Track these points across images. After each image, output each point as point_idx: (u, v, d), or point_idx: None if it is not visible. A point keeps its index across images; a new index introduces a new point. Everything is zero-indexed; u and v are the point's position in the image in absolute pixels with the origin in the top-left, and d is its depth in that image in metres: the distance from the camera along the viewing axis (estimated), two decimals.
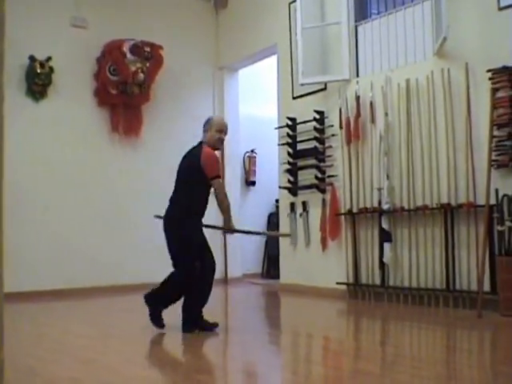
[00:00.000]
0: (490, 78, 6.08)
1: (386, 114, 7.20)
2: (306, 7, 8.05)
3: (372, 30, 7.68)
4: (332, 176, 7.91)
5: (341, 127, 7.75)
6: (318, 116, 8.13)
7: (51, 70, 8.50)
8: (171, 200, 5.42)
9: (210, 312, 5.36)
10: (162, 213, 5.53)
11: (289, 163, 8.57)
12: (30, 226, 8.32)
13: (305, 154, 8.35)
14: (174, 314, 5.30)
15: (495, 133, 6.03)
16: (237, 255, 10.28)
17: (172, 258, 5.35)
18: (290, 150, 8.58)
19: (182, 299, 5.20)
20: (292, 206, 8.64)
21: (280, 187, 8.88)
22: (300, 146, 8.48)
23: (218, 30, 10.46)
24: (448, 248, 6.50)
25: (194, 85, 10.16)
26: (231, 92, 10.50)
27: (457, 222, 6.48)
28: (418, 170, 6.87)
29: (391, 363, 4.27)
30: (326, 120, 8.10)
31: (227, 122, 5.63)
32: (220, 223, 5.75)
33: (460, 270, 6.42)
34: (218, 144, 5.43)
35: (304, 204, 8.42)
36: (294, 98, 8.73)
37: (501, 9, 6.12)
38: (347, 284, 7.61)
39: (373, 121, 7.39)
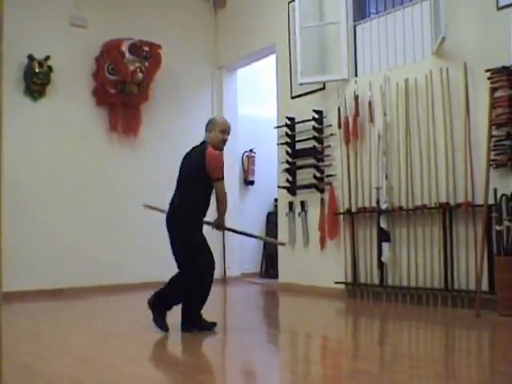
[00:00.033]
0: (488, 78, 6.08)
1: (385, 114, 7.20)
2: (304, 7, 8.05)
3: (371, 30, 7.68)
4: (331, 175, 7.92)
5: (339, 127, 7.75)
6: (316, 115, 8.13)
7: (50, 69, 8.50)
8: (174, 199, 5.40)
9: (208, 311, 5.36)
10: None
11: (287, 162, 8.57)
12: (29, 225, 8.32)
13: (303, 153, 8.35)
14: (173, 313, 5.31)
15: (494, 132, 6.03)
16: (235, 255, 10.28)
17: (175, 258, 5.31)
18: (289, 150, 8.58)
19: (173, 295, 5.20)
20: (291, 205, 8.65)
21: (279, 186, 8.89)
22: (299, 146, 8.48)
23: (217, 30, 10.45)
24: (446, 247, 6.50)
25: (193, 84, 10.16)
26: (230, 91, 10.49)
27: (455, 222, 6.48)
28: (416, 170, 6.88)
29: (390, 363, 4.28)
30: (324, 119, 8.10)
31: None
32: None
33: (458, 270, 6.42)
34: (221, 145, 5.40)
35: (303, 203, 8.42)
36: (292, 98, 8.73)
37: (499, 8, 6.12)
38: (346, 283, 7.62)
39: (371, 120, 7.40)
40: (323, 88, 8.19)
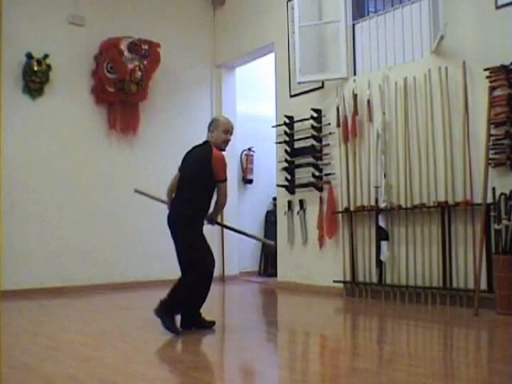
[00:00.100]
0: (487, 77, 6.09)
1: (384, 113, 7.21)
2: (303, 5, 8.05)
3: (369, 29, 7.68)
4: (329, 174, 7.92)
5: (338, 125, 7.75)
6: (315, 114, 8.13)
7: (48, 67, 8.50)
8: (176, 198, 5.36)
9: (207, 310, 5.36)
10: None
11: (286, 161, 8.57)
12: (28, 223, 8.31)
13: (302, 152, 8.35)
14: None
15: (492, 131, 6.04)
16: (234, 253, 10.28)
17: (179, 259, 5.27)
18: (288, 148, 8.58)
19: (181, 298, 5.16)
20: (289, 204, 8.65)
21: (277, 185, 8.89)
22: (297, 145, 8.48)
23: (216, 28, 10.45)
24: (445, 246, 6.51)
25: (192, 83, 10.15)
26: (228, 90, 10.49)
27: (454, 221, 6.48)
28: (415, 169, 6.88)
29: (388, 361, 4.28)
30: (323, 118, 8.10)
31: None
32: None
33: (457, 269, 6.43)
34: (224, 145, 5.37)
35: (301, 202, 8.43)
36: (291, 97, 8.73)
37: (498, 7, 6.12)
38: (344, 282, 7.62)
39: (370, 119, 7.40)
40: (322, 87, 8.19)
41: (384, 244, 6.99)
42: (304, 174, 8.31)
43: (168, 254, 8.92)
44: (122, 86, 8.91)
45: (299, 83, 8.18)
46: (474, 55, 6.34)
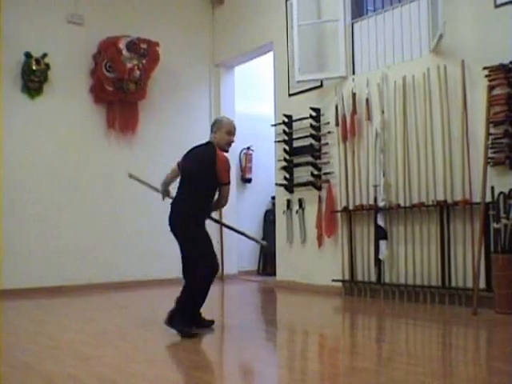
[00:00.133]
0: (486, 76, 6.09)
1: (383, 112, 7.21)
2: (302, 4, 8.05)
3: (368, 28, 7.68)
4: (328, 173, 7.93)
5: (337, 124, 7.75)
6: (314, 113, 8.13)
7: (47, 66, 8.49)
8: (178, 199, 5.28)
9: (206, 309, 5.35)
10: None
11: (285, 160, 8.58)
12: (27, 222, 8.31)
13: (301, 151, 8.35)
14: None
15: (491, 130, 6.04)
16: (233, 252, 10.28)
17: (183, 259, 5.24)
18: (286, 147, 8.58)
19: (183, 296, 5.12)
20: (288, 203, 8.65)
21: (276, 184, 8.89)
22: (296, 144, 8.48)
23: (215, 27, 10.45)
24: (444, 245, 6.51)
25: (191, 82, 10.15)
26: (227, 89, 10.48)
27: (453, 220, 6.49)
28: (414, 167, 6.88)
29: (387, 360, 4.28)
30: (322, 117, 8.10)
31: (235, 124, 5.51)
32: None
33: (456, 268, 6.44)
34: (228, 146, 5.32)
35: (300, 201, 8.43)
36: (290, 96, 8.73)
37: (497, 6, 6.13)
38: (343, 281, 7.63)
39: (369, 118, 7.40)
40: (321, 86, 8.19)
41: (383, 243, 7.00)
42: (303, 173, 8.31)
43: (167, 254, 8.97)
44: (120, 85, 8.90)
45: (298, 82, 8.18)
46: (473, 54, 6.35)
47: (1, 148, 8.07)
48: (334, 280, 7.69)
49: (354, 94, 7.56)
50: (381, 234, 7.02)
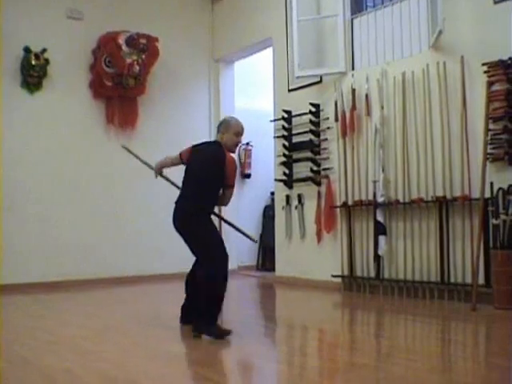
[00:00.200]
0: (485, 72, 6.09)
1: (382, 107, 7.21)
2: (301, 0, 8.04)
3: (368, 23, 7.67)
4: (327, 169, 7.93)
5: (336, 120, 7.75)
6: (313, 109, 8.13)
7: (46, 61, 8.48)
8: (183, 197, 5.14)
9: None
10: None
11: (284, 156, 8.58)
12: (26, 218, 8.31)
13: (300, 146, 8.36)
14: (174, 306, 5.30)
15: (490, 126, 6.04)
16: (232, 247, 10.25)
17: (196, 255, 5.11)
18: (286, 143, 8.58)
19: (206, 293, 5.02)
20: (287, 198, 8.65)
21: (275, 180, 8.89)
22: (295, 139, 8.48)
23: (214, 22, 10.43)
24: (443, 241, 6.52)
25: (190, 77, 10.14)
26: (227, 84, 10.47)
27: (452, 215, 6.49)
28: (413, 163, 6.89)
29: (386, 355, 4.29)
30: (321, 113, 8.10)
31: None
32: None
33: (455, 263, 6.44)
34: (235, 148, 5.26)
35: (299, 197, 8.43)
36: (289, 91, 8.73)
37: (496, 2, 6.13)
38: (342, 276, 7.63)
39: (368, 114, 7.40)
40: (320, 81, 8.19)
41: (382, 238, 7.00)
42: (302, 169, 8.32)
43: (168, 249, 9.02)
44: (120, 80, 8.90)
45: (297, 77, 8.18)
46: (472, 50, 6.34)
47: (0, 143, 8.08)
48: (333, 275, 7.70)
49: (353, 90, 7.56)
50: (380, 229, 7.03)
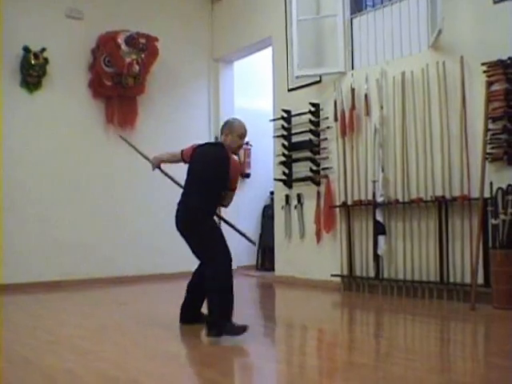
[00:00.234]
0: (484, 71, 6.09)
1: (381, 107, 7.21)
2: None
3: (367, 23, 7.68)
4: (327, 168, 7.93)
5: (336, 120, 7.76)
6: (313, 108, 8.13)
7: (46, 61, 8.47)
8: (188, 200, 5.07)
9: (204, 304, 5.36)
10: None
11: (284, 155, 8.58)
12: (26, 217, 8.30)
13: (300, 146, 8.36)
14: (174, 306, 5.31)
15: (490, 126, 6.05)
16: (231, 247, 10.23)
17: (198, 256, 5.10)
18: (285, 143, 8.58)
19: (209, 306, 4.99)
20: (287, 198, 8.66)
21: (275, 179, 8.89)
22: (295, 139, 8.49)
23: (214, 22, 10.43)
24: (442, 241, 6.52)
25: (190, 76, 10.14)
26: (226, 84, 10.47)
27: (451, 215, 6.50)
28: (412, 163, 6.89)
29: (385, 355, 4.29)
30: (321, 112, 8.10)
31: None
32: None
33: (454, 263, 6.45)
34: (239, 149, 5.26)
35: (299, 196, 8.44)
36: (289, 91, 8.73)
37: (496, 2, 6.14)
38: (342, 276, 7.64)
39: (368, 113, 7.40)
40: (319, 81, 8.19)
41: (381, 238, 7.01)
42: (301, 168, 8.32)
43: (167, 248, 9.02)
44: (119, 79, 8.89)
45: (297, 77, 8.18)
46: (471, 50, 6.35)
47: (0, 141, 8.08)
48: (332, 275, 7.71)
49: (352, 90, 7.56)
50: (379, 229, 7.03)
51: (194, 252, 5.05)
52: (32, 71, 8.36)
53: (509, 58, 5.94)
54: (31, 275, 8.20)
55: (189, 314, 5.29)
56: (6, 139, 8.10)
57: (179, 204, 5.10)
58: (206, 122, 10.26)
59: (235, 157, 5.16)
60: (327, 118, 7.95)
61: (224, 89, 10.42)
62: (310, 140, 8.12)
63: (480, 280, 6.06)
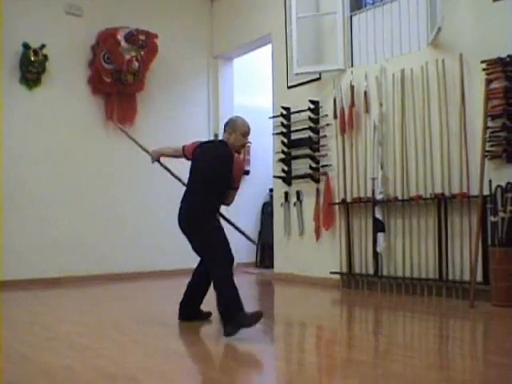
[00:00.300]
0: (484, 69, 6.09)
1: (381, 104, 7.21)
2: None
3: (367, 20, 7.67)
4: (326, 166, 7.94)
5: (335, 117, 7.75)
6: (312, 106, 8.13)
7: (45, 57, 8.45)
8: (190, 196, 5.09)
9: (203, 301, 5.38)
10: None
11: (283, 153, 8.58)
12: (25, 214, 8.30)
13: (299, 143, 8.36)
14: (173, 304, 5.30)
15: (489, 124, 6.05)
16: (231, 244, 10.25)
17: (201, 256, 5.16)
18: (285, 140, 8.58)
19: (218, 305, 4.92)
20: (286, 195, 8.66)
21: (274, 176, 8.89)
22: (294, 136, 8.48)
23: (213, 19, 10.43)
24: (441, 238, 6.53)
25: (189, 73, 10.14)
26: (226, 81, 10.47)
27: (450, 213, 6.50)
28: (411, 160, 6.89)
29: (384, 352, 4.30)
30: (320, 110, 8.10)
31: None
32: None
33: (453, 261, 6.45)
34: (241, 149, 5.23)
35: (298, 193, 8.44)
36: (288, 88, 8.73)
37: (495, 0, 6.13)
38: (341, 273, 7.64)
39: (367, 111, 7.40)
40: (319, 78, 8.19)
41: (380, 236, 7.01)
42: (301, 166, 8.33)
43: (167, 245, 9.04)
44: (118, 76, 8.89)
45: (296, 74, 8.17)
46: (471, 48, 6.35)
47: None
48: (331, 272, 7.71)
49: (352, 87, 7.56)
50: (379, 226, 7.04)
51: (195, 251, 5.07)
52: (31, 68, 8.35)
53: (508, 56, 5.94)
54: (30, 272, 8.19)
55: (188, 311, 5.31)
56: (4, 135, 8.08)
57: (182, 203, 5.09)
58: (205, 119, 10.26)
59: (238, 155, 5.14)
60: (326, 115, 7.95)
61: (223, 86, 10.42)
62: (310, 137, 8.11)
63: (479, 277, 6.07)
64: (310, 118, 8.13)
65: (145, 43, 9.00)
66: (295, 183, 8.51)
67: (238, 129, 5.16)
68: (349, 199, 7.57)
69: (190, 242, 5.05)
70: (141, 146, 5.81)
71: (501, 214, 5.85)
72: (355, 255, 7.54)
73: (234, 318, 4.64)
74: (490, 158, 6.06)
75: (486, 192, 6.01)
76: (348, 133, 7.61)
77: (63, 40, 8.78)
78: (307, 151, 8.16)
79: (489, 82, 6.04)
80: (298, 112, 8.36)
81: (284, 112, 8.60)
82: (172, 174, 5.58)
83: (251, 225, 10.37)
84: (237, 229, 5.56)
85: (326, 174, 7.92)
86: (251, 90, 10.85)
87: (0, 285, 7.61)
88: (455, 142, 6.45)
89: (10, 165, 8.10)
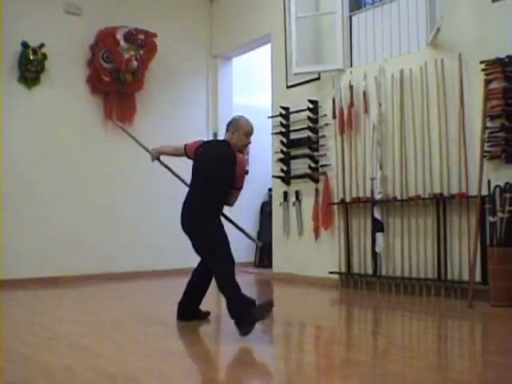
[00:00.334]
0: (483, 70, 6.10)
1: (380, 104, 7.22)
2: None
3: (366, 20, 7.68)
4: (325, 165, 7.94)
5: (334, 117, 7.76)
6: (311, 105, 8.14)
7: (44, 56, 8.45)
8: (193, 196, 5.08)
9: (202, 301, 5.38)
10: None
11: (282, 152, 8.58)
12: (25, 213, 8.29)
13: (298, 143, 8.36)
14: (172, 304, 5.31)
15: (488, 124, 6.05)
16: (230, 244, 10.26)
17: (202, 256, 5.17)
18: (284, 140, 8.59)
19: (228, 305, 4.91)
20: (285, 195, 8.66)
21: (273, 176, 8.90)
22: (293, 136, 8.49)
23: (212, 19, 10.43)
24: (440, 238, 6.54)
25: (188, 73, 10.14)
26: (225, 81, 10.47)
27: (449, 213, 6.51)
28: (410, 160, 6.90)
29: (383, 352, 4.31)
30: (319, 109, 8.11)
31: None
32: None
33: (452, 261, 6.46)
34: (245, 148, 5.20)
35: (297, 193, 8.44)
36: (287, 88, 8.73)
37: (494, 0, 6.14)
38: (339, 273, 7.65)
39: (366, 111, 7.41)
40: (318, 78, 8.19)
41: (379, 235, 7.02)
42: (300, 165, 8.33)
43: (165, 246, 9.03)
44: (117, 75, 8.88)
45: (295, 74, 8.18)
46: (470, 48, 6.36)
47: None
48: (330, 272, 7.72)
49: (351, 87, 7.57)
50: (377, 226, 7.05)
51: (196, 251, 5.08)
52: (30, 67, 8.34)
53: (507, 57, 5.94)
54: (30, 271, 8.19)
55: (186, 311, 5.31)
56: (3, 133, 8.08)
57: (185, 203, 5.08)
58: (204, 119, 10.26)
59: (241, 155, 5.12)
60: (325, 115, 7.96)
61: (223, 85, 10.42)
62: (309, 137, 8.12)
63: (477, 278, 6.07)
64: (309, 118, 8.13)
65: (144, 42, 9.00)
66: (294, 183, 8.51)
67: (241, 128, 5.12)
68: (348, 199, 7.58)
69: (192, 241, 5.05)
70: (140, 144, 5.81)
71: (499, 214, 5.86)
72: (354, 255, 7.54)
73: (246, 315, 4.62)
74: (488, 159, 6.07)
75: (484, 192, 6.02)
76: (347, 133, 7.62)
77: (62, 39, 8.77)
78: (306, 151, 8.17)
79: (488, 82, 6.05)
80: (297, 112, 8.37)
81: (283, 112, 8.60)
82: (172, 172, 5.58)
83: (250, 224, 10.36)
84: (241, 230, 5.58)
85: (325, 173, 7.93)
86: (250, 89, 10.85)
87: (0, 284, 7.61)
88: (454, 142, 6.46)
89: (9, 164, 8.10)
